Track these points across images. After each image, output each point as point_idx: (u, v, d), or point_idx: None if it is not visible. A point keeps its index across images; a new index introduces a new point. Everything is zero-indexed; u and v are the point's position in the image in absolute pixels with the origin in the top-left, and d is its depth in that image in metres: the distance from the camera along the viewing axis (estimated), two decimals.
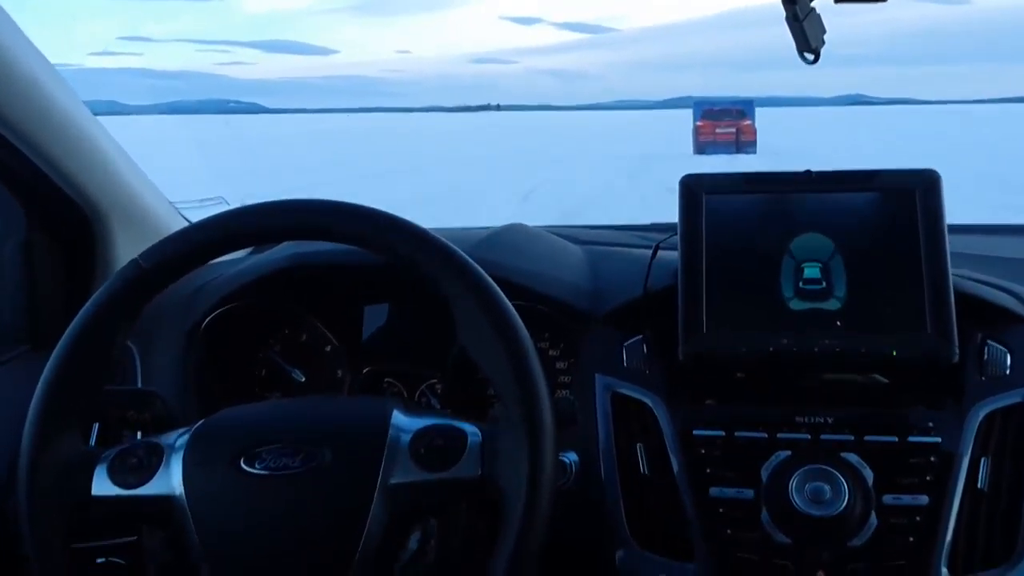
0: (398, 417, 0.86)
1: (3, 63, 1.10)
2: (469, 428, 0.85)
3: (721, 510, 1.01)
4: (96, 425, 1.11)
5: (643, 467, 1.06)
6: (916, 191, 1.07)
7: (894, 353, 1.04)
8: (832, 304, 1.07)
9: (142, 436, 1.01)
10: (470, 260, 0.86)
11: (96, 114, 1.30)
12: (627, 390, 1.10)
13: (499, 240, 1.31)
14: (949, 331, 1.03)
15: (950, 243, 1.05)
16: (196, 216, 1.51)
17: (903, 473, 0.99)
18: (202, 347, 1.27)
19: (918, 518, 0.97)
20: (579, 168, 21.66)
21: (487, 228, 1.38)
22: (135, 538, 1.03)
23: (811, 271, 1.08)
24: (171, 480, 0.84)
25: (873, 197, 1.09)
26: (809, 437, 1.02)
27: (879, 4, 1.03)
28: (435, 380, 1.33)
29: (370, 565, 0.80)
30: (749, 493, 1.01)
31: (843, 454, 1.00)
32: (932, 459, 0.99)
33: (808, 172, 1.12)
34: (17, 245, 1.33)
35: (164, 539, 0.99)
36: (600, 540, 1.05)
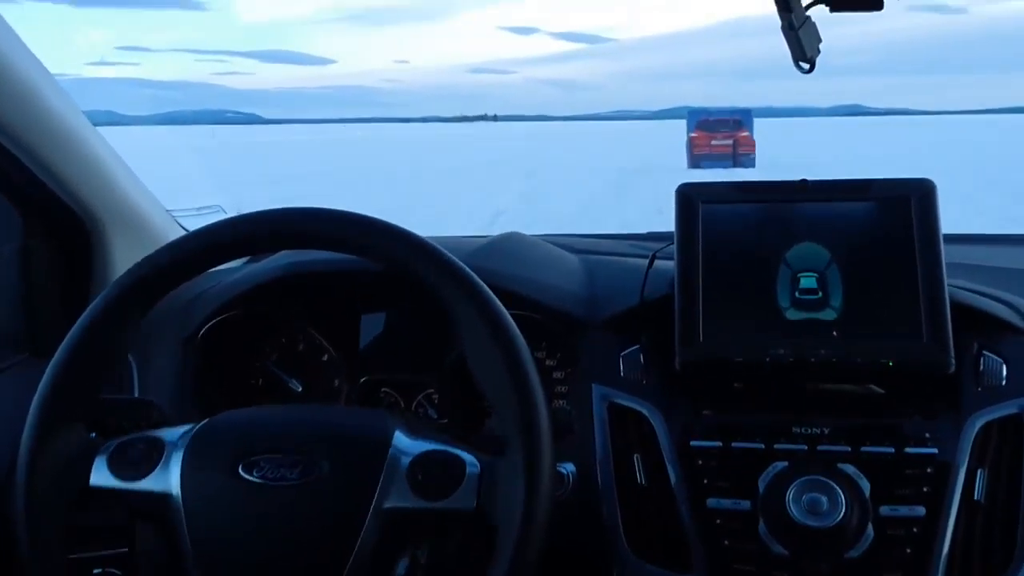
0: (400, 438, 0.85)
1: (1, 71, 1.10)
2: (468, 458, 0.84)
3: (718, 521, 1.01)
4: (92, 435, 1.11)
5: (640, 477, 1.06)
6: (911, 200, 1.08)
7: (890, 363, 1.04)
8: (828, 314, 1.07)
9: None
10: (467, 268, 0.86)
11: (94, 124, 1.30)
12: (624, 400, 1.09)
13: (496, 248, 1.31)
14: (945, 341, 1.03)
15: (946, 253, 1.06)
16: (193, 224, 1.51)
17: (900, 484, 0.99)
18: (199, 356, 1.26)
19: (915, 529, 0.97)
20: (558, 182, 20.54)
21: (484, 236, 1.38)
22: (127, 550, 1.03)
23: (807, 281, 1.08)
24: (169, 478, 0.84)
25: (869, 207, 1.09)
26: (806, 448, 1.02)
27: (875, 13, 1.03)
28: (432, 390, 1.32)
29: None
30: (746, 504, 1.01)
31: (840, 465, 1.00)
32: (928, 470, 0.99)
33: (804, 181, 1.12)
34: (15, 252, 1.33)
35: (157, 540, 0.98)
36: (597, 551, 1.05)
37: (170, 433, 0.88)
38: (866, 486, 0.98)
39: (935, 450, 1.00)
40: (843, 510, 0.96)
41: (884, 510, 0.98)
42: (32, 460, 0.83)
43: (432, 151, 42.68)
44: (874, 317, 1.06)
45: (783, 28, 1.04)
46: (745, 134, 25.36)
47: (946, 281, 1.05)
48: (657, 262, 1.22)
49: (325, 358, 1.35)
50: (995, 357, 1.05)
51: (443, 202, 15.78)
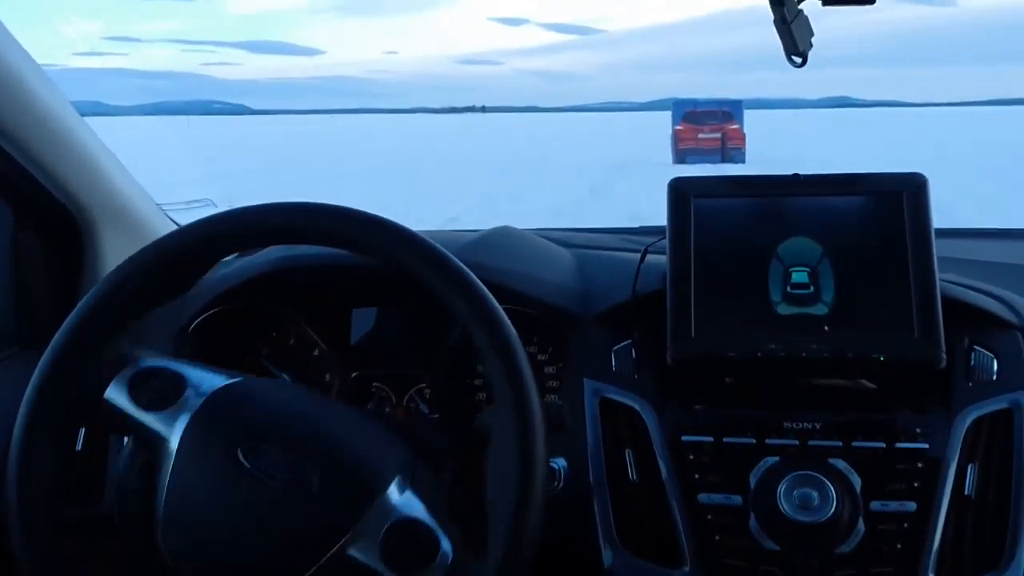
0: (392, 493, 0.82)
1: None
2: (446, 543, 0.80)
3: (709, 516, 1.01)
4: (83, 430, 1.10)
5: (632, 473, 1.06)
6: (903, 195, 1.08)
7: (881, 358, 1.04)
8: (820, 309, 1.07)
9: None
10: (459, 263, 0.85)
11: (81, 115, 1.29)
12: (615, 395, 1.09)
13: (487, 243, 1.30)
14: (936, 336, 1.03)
15: (937, 247, 1.06)
16: (183, 218, 1.50)
17: (891, 479, 0.99)
18: (189, 351, 1.26)
19: (906, 524, 0.97)
20: (534, 178, 19.31)
21: (476, 231, 1.37)
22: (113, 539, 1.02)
23: (799, 276, 1.08)
24: (175, 425, 0.84)
25: (860, 201, 1.09)
26: (797, 443, 1.03)
27: (866, 6, 1.03)
28: (424, 384, 1.32)
29: None
30: (737, 499, 1.01)
31: (831, 460, 1.00)
32: (919, 465, 0.99)
33: (796, 175, 1.13)
34: (5, 245, 1.32)
35: (139, 479, 0.96)
36: (588, 546, 1.05)
37: (198, 377, 0.88)
38: (857, 481, 0.99)
39: (926, 445, 1.00)
40: (834, 505, 0.96)
41: (875, 505, 0.98)
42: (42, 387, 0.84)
43: (421, 141, 42.43)
44: (865, 312, 1.06)
45: (775, 22, 1.04)
46: (735, 127, 23.80)
47: (938, 275, 1.05)
48: (649, 256, 1.22)
49: (316, 352, 1.35)
50: (986, 352, 1.06)
51: (421, 192, 15.46)
